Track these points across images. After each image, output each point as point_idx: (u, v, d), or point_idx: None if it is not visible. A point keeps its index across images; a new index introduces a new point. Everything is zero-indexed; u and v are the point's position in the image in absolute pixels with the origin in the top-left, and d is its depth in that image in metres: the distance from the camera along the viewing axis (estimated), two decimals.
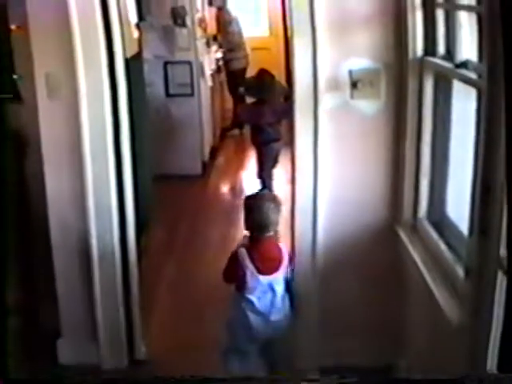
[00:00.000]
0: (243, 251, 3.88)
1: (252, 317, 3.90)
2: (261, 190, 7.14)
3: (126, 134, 4.23)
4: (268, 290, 3.89)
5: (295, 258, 4.06)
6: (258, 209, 3.88)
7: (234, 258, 3.90)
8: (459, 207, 3.33)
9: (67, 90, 4.02)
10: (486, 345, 2.51)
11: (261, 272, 3.85)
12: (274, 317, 3.90)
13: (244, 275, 3.85)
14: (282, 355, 4.02)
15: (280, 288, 3.90)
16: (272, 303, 3.90)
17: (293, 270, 3.99)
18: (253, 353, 4.00)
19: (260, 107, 7.03)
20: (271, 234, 3.90)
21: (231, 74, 10.22)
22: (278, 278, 3.90)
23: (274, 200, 3.98)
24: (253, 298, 3.88)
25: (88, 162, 4.07)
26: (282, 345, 3.99)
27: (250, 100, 7.81)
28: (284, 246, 4.01)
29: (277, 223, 3.91)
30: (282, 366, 4.00)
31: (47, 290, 4.30)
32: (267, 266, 3.88)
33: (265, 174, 7.20)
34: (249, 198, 4.05)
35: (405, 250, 3.76)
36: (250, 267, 3.85)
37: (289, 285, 3.97)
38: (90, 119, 4.03)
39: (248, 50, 10.33)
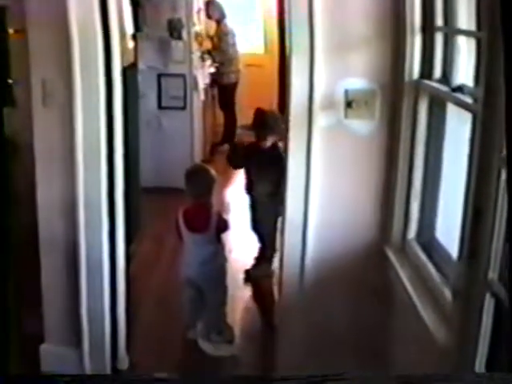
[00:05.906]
0: (180, 212, 4.80)
1: (187, 261, 4.83)
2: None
3: (120, 144, 4.23)
4: (196, 244, 4.76)
5: (227, 223, 4.93)
6: (191, 180, 4.87)
7: (176, 217, 4.82)
8: (449, 230, 3.33)
9: (62, 97, 4.01)
10: (472, 368, 2.52)
11: (189, 229, 4.75)
12: (202, 267, 4.75)
13: (180, 230, 4.79)
14: (212, 304, 4.86)
15: (207, 245, 4.76)
16: (199, 255, 4.75)
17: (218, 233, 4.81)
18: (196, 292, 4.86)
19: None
20: (203, 201, 4.77)
21: (222, 88, 10.23)
22: (205, 236, 4.75)
23: (205, 173, 4.91)
24: (186, 247, 4.83)
25: (80, 170, 4.06)
26: (213, 296, 4.83)
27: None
28: (216, 213, 4.81)
29: (206, 193, 4.77)
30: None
31: (32, 294, 4.28)
32: (195, 225, 4.76)
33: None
34: (187, 172, 4.95)
35: (393, 271, 3.75)
36: (181, 225, 4.77)
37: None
38: (84, 128, 4.02)
39: (240, 65, 10.32)
